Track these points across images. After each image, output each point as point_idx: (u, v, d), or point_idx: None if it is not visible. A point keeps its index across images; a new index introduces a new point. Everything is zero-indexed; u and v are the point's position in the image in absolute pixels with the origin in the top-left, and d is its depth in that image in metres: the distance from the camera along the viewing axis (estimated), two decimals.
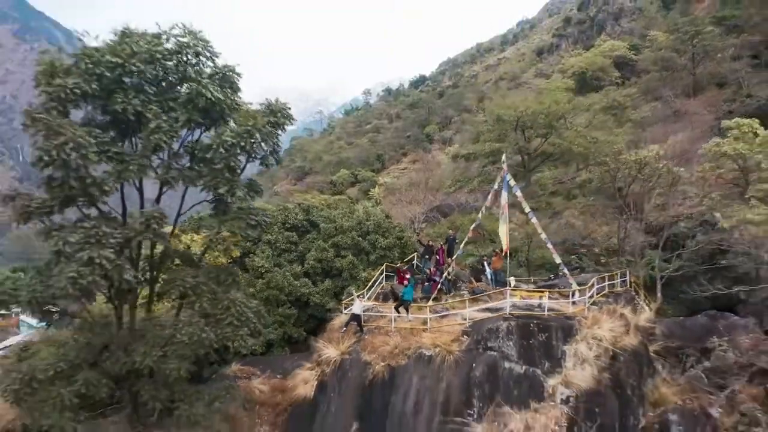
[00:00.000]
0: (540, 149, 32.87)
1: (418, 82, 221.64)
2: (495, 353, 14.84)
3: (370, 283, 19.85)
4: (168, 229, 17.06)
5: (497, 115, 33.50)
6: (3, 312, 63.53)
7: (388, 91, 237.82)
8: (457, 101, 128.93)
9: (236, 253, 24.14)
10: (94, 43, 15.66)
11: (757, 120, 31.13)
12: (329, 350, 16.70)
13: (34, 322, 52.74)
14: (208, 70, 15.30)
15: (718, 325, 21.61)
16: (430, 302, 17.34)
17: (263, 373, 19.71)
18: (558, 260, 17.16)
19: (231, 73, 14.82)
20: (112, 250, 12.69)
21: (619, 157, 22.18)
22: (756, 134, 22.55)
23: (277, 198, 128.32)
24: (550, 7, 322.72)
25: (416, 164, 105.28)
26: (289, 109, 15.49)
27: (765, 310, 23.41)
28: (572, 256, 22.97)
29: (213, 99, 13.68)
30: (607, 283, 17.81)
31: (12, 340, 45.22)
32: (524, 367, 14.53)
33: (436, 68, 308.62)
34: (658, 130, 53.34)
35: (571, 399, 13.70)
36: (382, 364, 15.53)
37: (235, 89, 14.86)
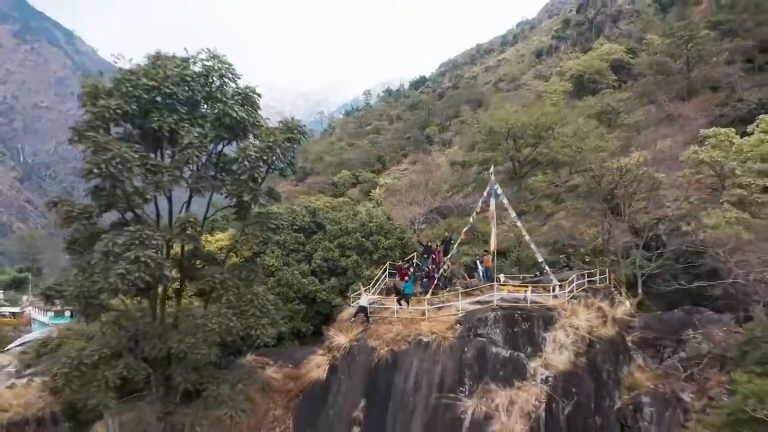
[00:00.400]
0: (530, 157, 34.91)
1: (419, 83, 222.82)
2: (484, 339, 16.94)
3: (374, 280, 21.95)
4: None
5: (489, 127, 35.62)
6: (15, 311, 65.79)
7: (389, 91, 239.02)
8: (457, 103, 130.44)
9: (248, 253, 26.21)
10: (128, 65, 17.70)
11: (742, 126, 33.21)
12: (340, 338, 18.87)
13: (45, 319, 54.83)
14: (230, 90, 17.31)
15: (693, 318, 23.68)
16: (428, 296, 19.48)
17: (276, 363, 21.76)
18: (540, 259, 19.28)
19: (252, 93, 16.83)
20: (153, 250, 14.70)
21: (603, 165, 24.18)
22: (732, 143, 24.43)
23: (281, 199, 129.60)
24: (550, 7, 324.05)
25: (416, 165, 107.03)
26: (304, 126, 17.55)
27: (739, 305, 25.47)
28: (561, 256, 24.98)
29: (237, 118, 15.70)
30: (586, 279, 19.89)
31: (28, 337, 47.31)
32: (509, 351, 16.62)
33: (436, 69, 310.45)
34: (651, 134, 55.33)
35: (550, 379, 15.67)
36: (386, 349, 17.62)
37: (256, 108, 16.87)
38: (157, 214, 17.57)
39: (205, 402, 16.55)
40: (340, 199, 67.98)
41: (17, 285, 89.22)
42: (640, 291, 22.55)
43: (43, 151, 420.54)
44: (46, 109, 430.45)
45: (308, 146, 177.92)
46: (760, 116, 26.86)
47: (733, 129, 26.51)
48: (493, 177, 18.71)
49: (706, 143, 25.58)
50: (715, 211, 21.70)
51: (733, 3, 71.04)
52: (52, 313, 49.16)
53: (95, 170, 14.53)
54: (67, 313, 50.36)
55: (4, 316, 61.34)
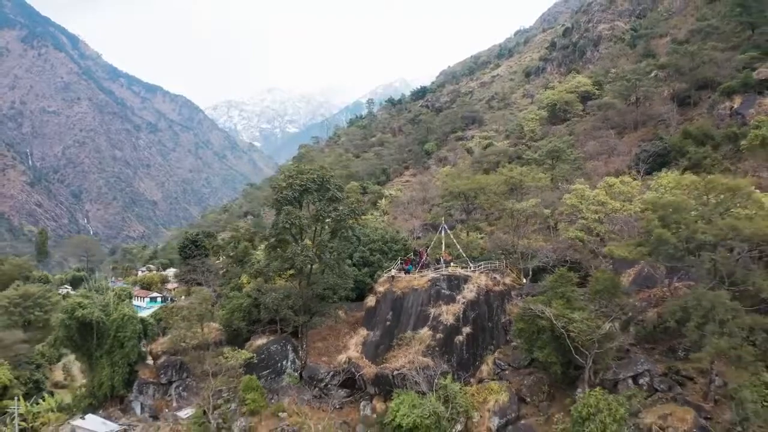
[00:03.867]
0: (472, 203, 54.90)
1: (419, 94, 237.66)
2: (438, 286, 35.80)
3: (393, 265, 41.31)
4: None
5: (449, 191, 56.29)
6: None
7: (391, 101, 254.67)
8: (453, 120, 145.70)
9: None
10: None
11: (660, 158, 52.39)
12: (380, 287, 38.23)
13: (143, 304, 73.27)
14: (333, 182, 36.48)
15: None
16: (417, 272, 38.64)
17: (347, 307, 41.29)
18: (464, 255, 38.76)
19: (338, 188, 36.11)
20: (302, 255, 34.01)
21: (511, 207, 43.10)
22: (584, 194, 42.80)
23: None
24: (546, 16, 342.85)
25: (416, 177, 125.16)
26: (363, 206, 37.26)
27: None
28: (493, 254, 43.81)
29: (337, 196, 35.01)
30: (489, 264, 39.00)
31: (143, 313, 66.41)
32: (448, 291, 35.24)
33: (436, 77, 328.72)
34: (595, 164, 73.66)
35: (464, 301, 34.64)
36: (400, 291, 36.43)
37: (342, 190, 36.14)
38: (303, 236, 36.68)
39: (315, 323, 35.94)
40: (364, 218, 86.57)
41: (77, 282, 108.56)
42: (529, 275, 41.50)
43: (51, 155, 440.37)
44: (54, 113, 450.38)
45: (317, 156, 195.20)
46: (606, 178, 45.99)
47: (586, 186, 44.68)
48: (443, 221, 38.40)
49: (573, 191, 44.12)
50: (571, 229, 40.67)
51: (674, 50, 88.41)
52: (149, 299, 68.65)
53: (287, 225, 33.60)
54: (159, 299, 69.75)
55: None
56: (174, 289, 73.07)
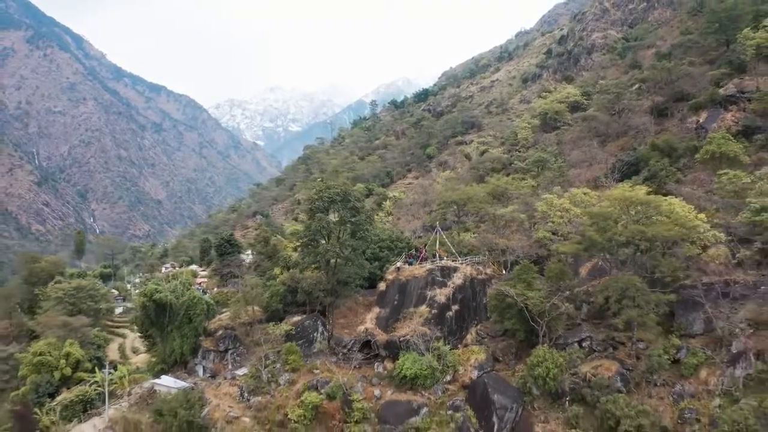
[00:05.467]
0: (463, 210, 65.73)
1: (421, 96, 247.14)
2: (434, 274, 46.83)
3: (399, 259, 52.37)
4: None
5: (444, 201, 67.49)
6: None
7: (394, 103, 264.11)
8: (453, 125, 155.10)
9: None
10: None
11: (634, 167, 63.65)
12: (389, 275, 49.44)
13: None
14: (353, 194, 47.60)
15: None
16: (418, 263, 49.82)
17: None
18: (453, 250, 50.11)
19: (358, 197, 47.10)
20: (330, 251, 45.04)
21: (493, 212, 53.97)
22: (552, 201, 53.68)
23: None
24: (547, 18, 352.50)
25: (418, 180, 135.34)
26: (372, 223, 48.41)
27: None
28: (479, 251, 54.74)
29: (357, 207, 46.09)
30: (473, 257, 50.09)
31: None
32: (442, 279, 46.24)
33: (438, 78, 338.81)
34: (576, 172, 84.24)
35: (454, 286, 45.59)
36: (405, 278, 47.39)
37: (360, 201, 47.16)
38: (331, 236, 47.85)
39: (338, 306, 47.06)
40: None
41: (105, 278, 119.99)
42: (509, 266, 52.50)
43: (57, 155, 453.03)
44: (59, 113, 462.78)
45: (323, 158, 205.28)
46: (578, 187, 57.20)
47: (555, 195, 55.82)
48: (438, 224, 49.85)
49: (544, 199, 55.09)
50: (540, 230, 51.65)
51: (653, 66, 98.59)
52: None
53: (318, 227, 44.78)
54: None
55: None
56: (202, 283, 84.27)
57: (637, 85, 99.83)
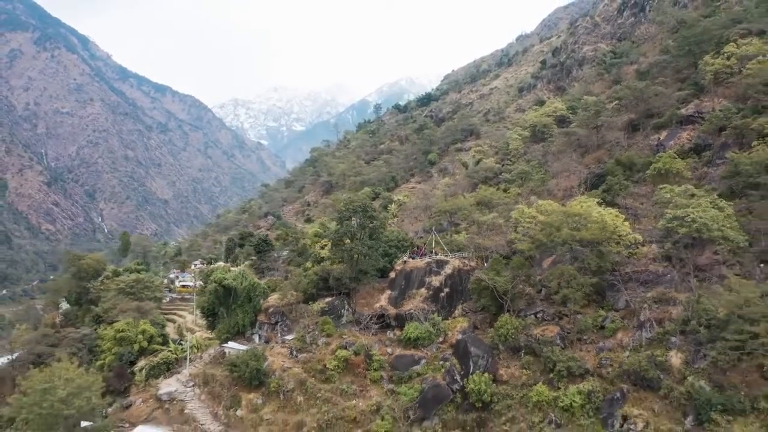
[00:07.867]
0: (455, 217, 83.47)
1: (424, 100, 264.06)
2: (431, 266, 64.26)
3: (404, 255, 69.98)
4: None
5: (439, 210, 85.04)
6: (188, 284, 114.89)
7: (398, 107, 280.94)
8: (453, 132, 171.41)
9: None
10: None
11: (601, 178, 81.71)
12: (398, 267, 67.30)
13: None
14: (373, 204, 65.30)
15: None
16: (419, 258, 67.45)
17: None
18: (446, 248, 67.71)
19: (374, 209, 64.77)
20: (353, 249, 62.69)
21: (477, 218, 71.37)
22: (524, 209, 71.33)
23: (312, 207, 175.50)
24: (547, 22, 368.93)
25: (421, 185, 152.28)
26: (383, 223, 66.08)
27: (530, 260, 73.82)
28: (466, 249, 72.37)
29: (374, 215, 63.85)
30: (461, 254, 67.73)
31: None
32: (437, 269, 63.58)
33: (441, 80, 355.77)
34: (555, 182, 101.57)
35: (446, 274, 63.09)
36: (409, 269, 64.96)
37: (376, 211, 64.83)
38: (354, 238, 65.59)
39: (358, 291, 64.98)
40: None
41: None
42: (488, 260, 70.25)
43: (65, 156, 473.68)
44: (67, 114, 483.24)
45: (330, 161, 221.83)
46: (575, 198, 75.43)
47: (525, 205, 73.90)
48: (433, 228, 67.56)
49: (517, 208, 73.14)
50: (513, 233, 69.31)
51: (626, 86, 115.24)
52: None
53: (342, 230, 62.64)
54: None
55: (185, 286, 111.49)
56: None
57: (615, 102, 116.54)
